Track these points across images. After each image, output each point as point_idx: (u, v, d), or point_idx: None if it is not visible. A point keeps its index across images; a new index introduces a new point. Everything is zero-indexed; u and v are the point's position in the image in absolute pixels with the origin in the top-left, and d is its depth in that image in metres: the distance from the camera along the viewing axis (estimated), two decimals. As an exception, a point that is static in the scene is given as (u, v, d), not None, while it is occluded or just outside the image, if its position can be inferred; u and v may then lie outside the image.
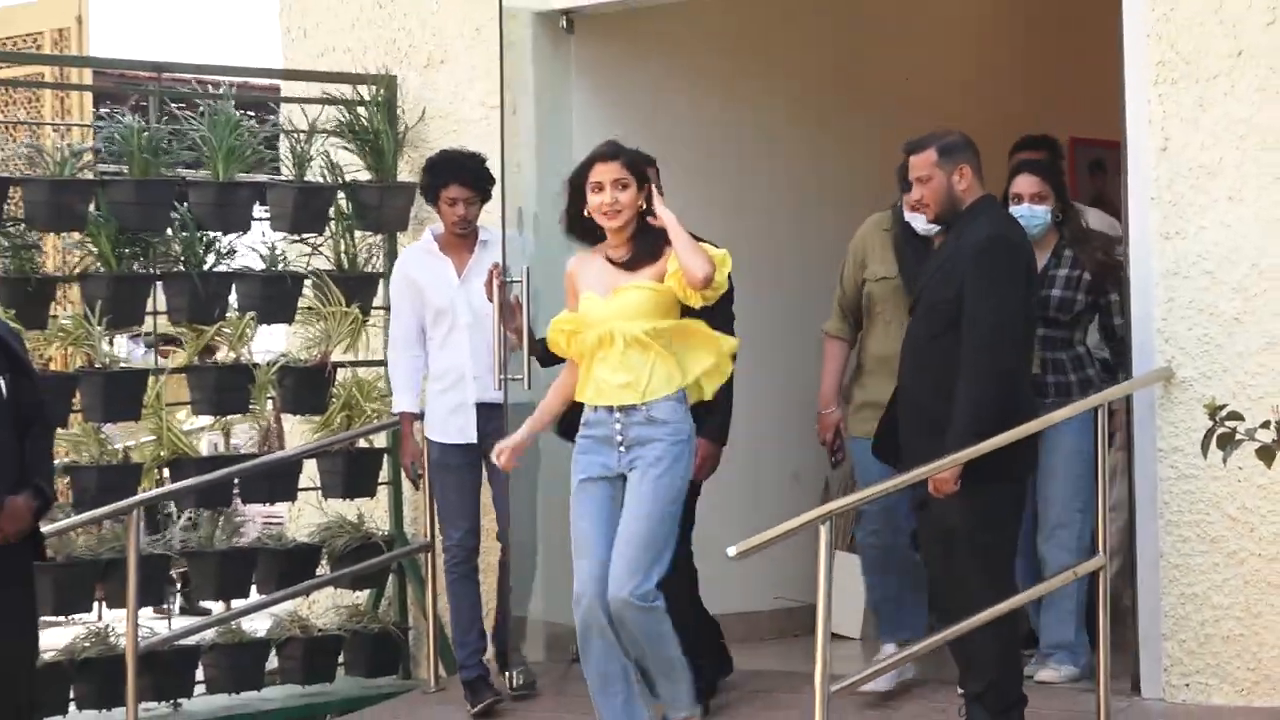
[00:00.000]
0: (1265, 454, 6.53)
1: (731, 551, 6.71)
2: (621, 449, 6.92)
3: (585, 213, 6.99)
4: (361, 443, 9.34)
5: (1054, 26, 10.74)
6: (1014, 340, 7.08)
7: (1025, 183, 8.00)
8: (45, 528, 7.22)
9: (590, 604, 6.82)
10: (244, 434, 9.67)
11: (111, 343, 8.65)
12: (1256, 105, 7.50)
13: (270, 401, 9.15)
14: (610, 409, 6.91)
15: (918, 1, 10.54)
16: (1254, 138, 7.50)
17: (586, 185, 6.93)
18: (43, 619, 7.72)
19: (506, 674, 8.61)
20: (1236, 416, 6.59)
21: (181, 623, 9.57)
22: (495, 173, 8.69)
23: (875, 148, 8.92)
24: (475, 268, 8.46)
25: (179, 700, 8.78)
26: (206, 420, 9.33)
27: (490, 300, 8.28)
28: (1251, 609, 7.48)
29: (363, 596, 9.52)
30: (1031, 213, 7.89)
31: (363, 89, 9.52)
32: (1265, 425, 6.46)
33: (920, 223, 7.62)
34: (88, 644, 8.44)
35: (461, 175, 8.52)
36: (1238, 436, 6.55)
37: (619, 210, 6.87)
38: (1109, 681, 7.36)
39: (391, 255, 9.45)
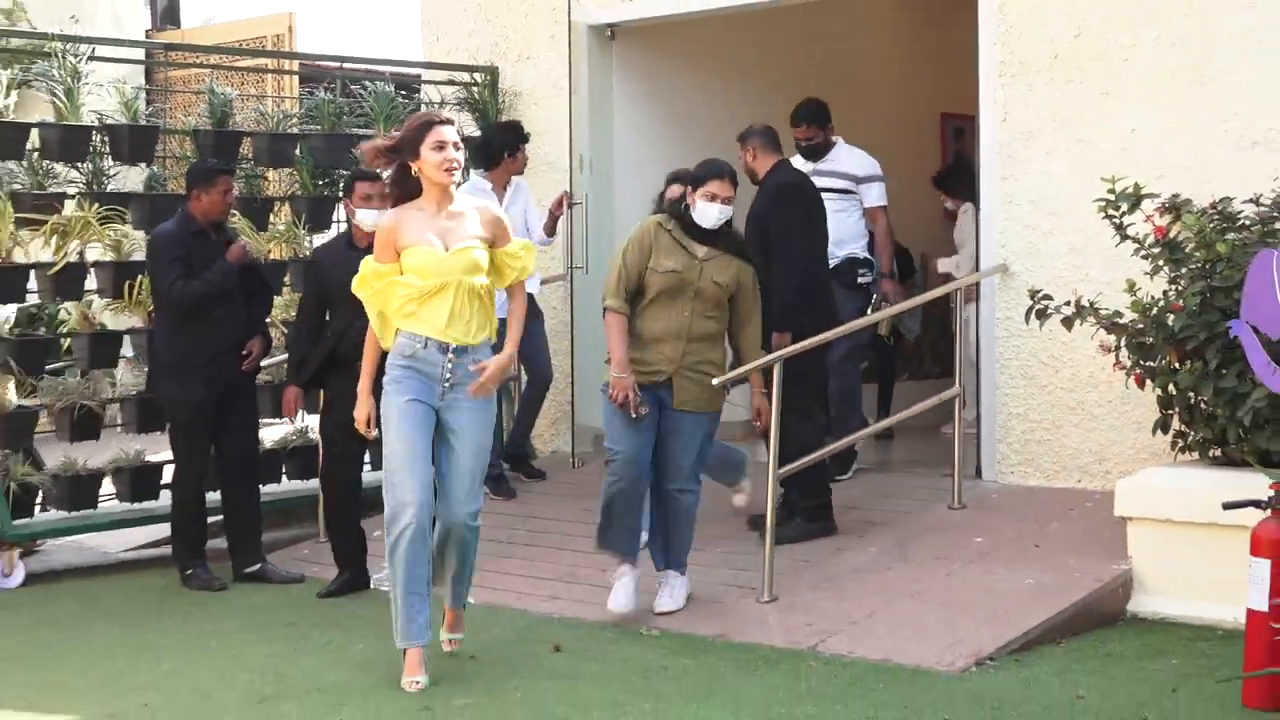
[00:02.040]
0: (1066, 322, 6.67)
1: None
2: (446, 384, 5.45)
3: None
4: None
5: (934, 36, 10.65)
6: (798, 252, 7.06)
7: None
8: (265, 362, 7.52)
9: (419, 512, 5.35)
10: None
11: (310, 240, 8.67)
12: (1065, 92, 7.49)
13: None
14: (445, 347, 5.44)
15: (859, 21, 10.41)
16: (1063, 114, 7.51)
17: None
18: (263, 420, 7.91)
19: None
20: (1048, 298, 6.74)
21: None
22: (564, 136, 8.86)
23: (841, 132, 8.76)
24: (511, 199, 8.33)
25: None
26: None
27: (557, 212, 8.53)
28: (1055, 424, 7.56)
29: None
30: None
31: (476, 75, 9.53)
32: (1066, 304, 6.64)
33: (711, 217, 6.22)
34: (294, 437, 8.51)
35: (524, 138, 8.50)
36: (1048, 311, 6.72)
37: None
38: (961, 469, 7.46)
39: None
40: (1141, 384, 6.51)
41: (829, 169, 8.13)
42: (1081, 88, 7.44)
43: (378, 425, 5.65)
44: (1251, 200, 6.38)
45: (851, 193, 8.17)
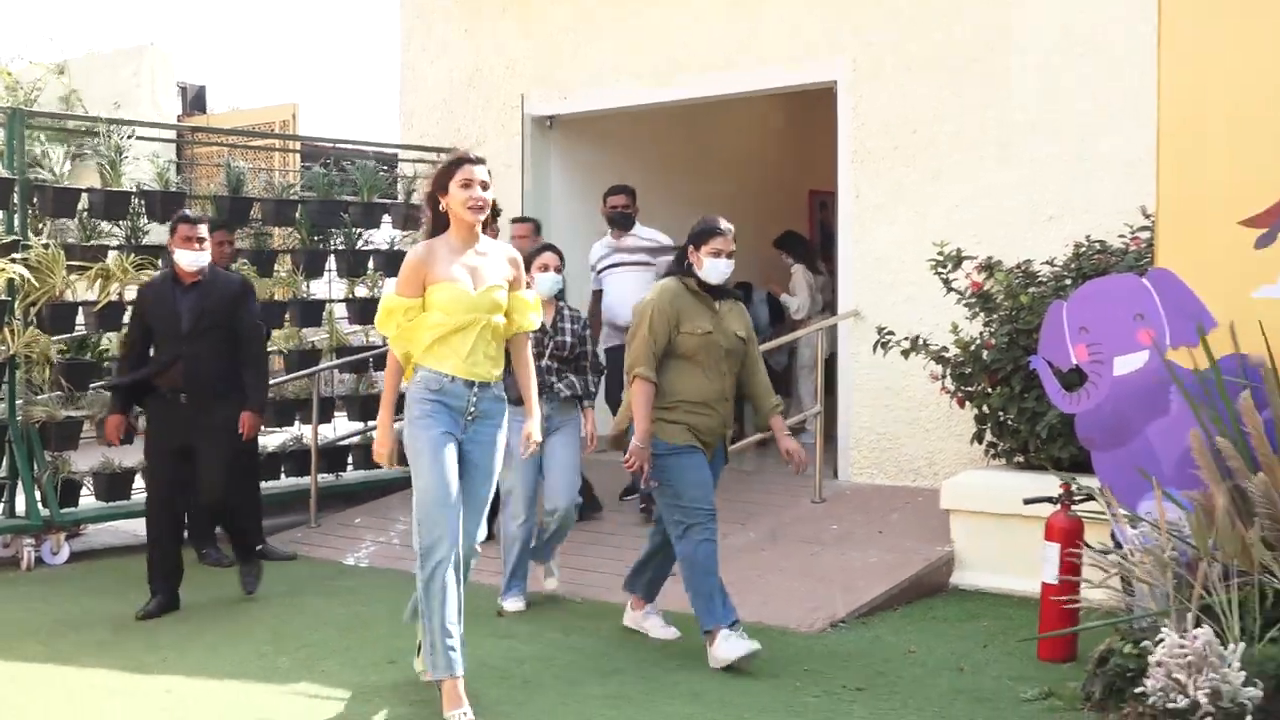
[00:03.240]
0: (904, 354, 6.66)
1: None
2: (469, 418, 4.45)
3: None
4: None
5: (804, 128, 10.69)
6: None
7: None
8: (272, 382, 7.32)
9: (454, 545, 4.34)
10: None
11: (307, 286, 8.54)
12: (904, 174, 7.52)
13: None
14: (470, 383, 4.43)
15: (745, 117, 10.39)
16: (903, 191, 7.52)
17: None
18: (266, 428, 7.75)
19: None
20: (890, 334, 6.73)
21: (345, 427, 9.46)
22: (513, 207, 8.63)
23: (726, 206, 8.71)
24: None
25: (339, 473, 8.57)
26: (359, 326, 9.23)
27: None
28: (896, 435, 7.55)
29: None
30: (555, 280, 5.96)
31: (442, 154, 9.40)
32: (905, 339, 6.64)
33: (720, 272, 5.07)
34: (292, 442, 8.36)
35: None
36: (890, 344, 6.71)
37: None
38: (822, 470, 7.42)
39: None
40: (962, 404, 6.54)
41: (633, 243, 7.65)
42: (917, 171, 7.47)
43: (400, 460, 4.57)
44: (1047, 262, 6.44)
45: (650, 264, 7.55)
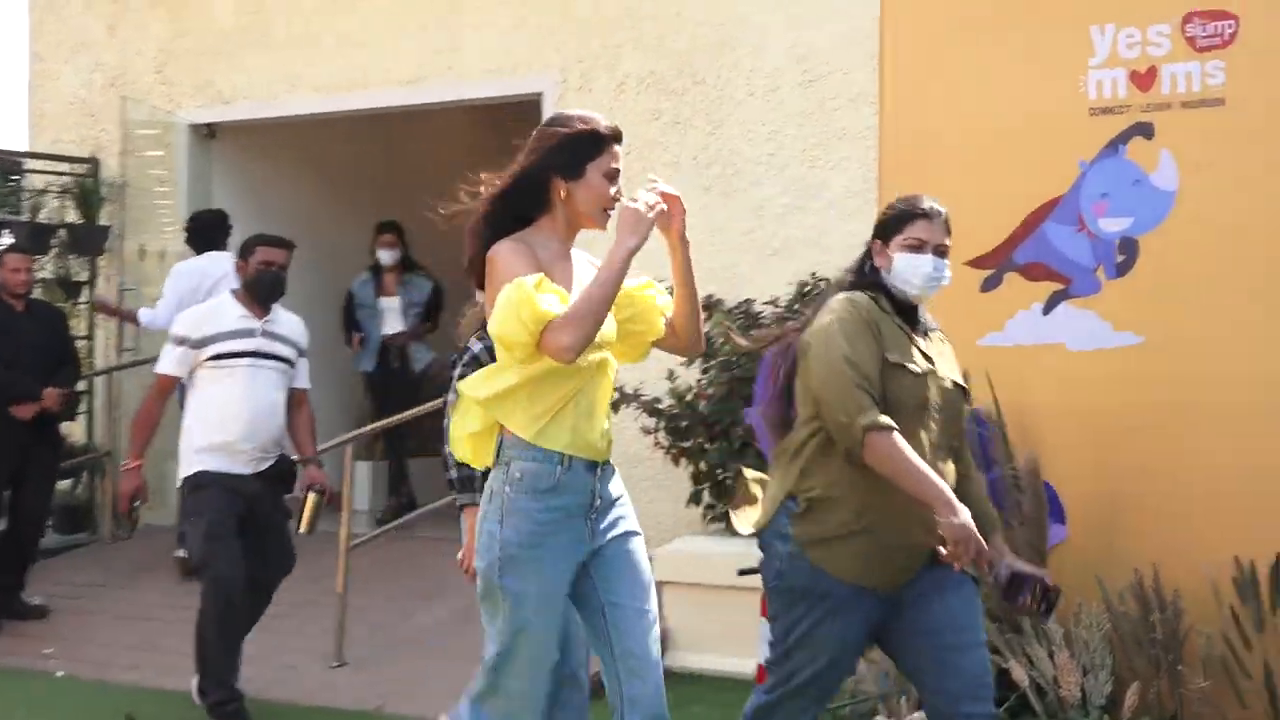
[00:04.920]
0: (613, 406, 6.54)
1: None
2: (593, 518, 3.30)
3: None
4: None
5: (513, 150, 10.62)
6: None
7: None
8: None
9: None
10: None
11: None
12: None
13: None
14: (593, 466, 3.29)
15: (439, 132, 10.21)
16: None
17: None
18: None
19: None
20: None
21: None
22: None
23: (422, 229, 8.48)
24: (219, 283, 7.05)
25: None
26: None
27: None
28: None
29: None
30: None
31: (78, 165, 8.89)
32: (615, 389, 6.55)
33: (923, 275, 3.50)
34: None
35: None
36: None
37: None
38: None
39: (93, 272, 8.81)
40: (677, 461, 6.51)
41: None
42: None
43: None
44: (770, 302, 6.50)
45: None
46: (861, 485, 3.32)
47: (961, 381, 3.54)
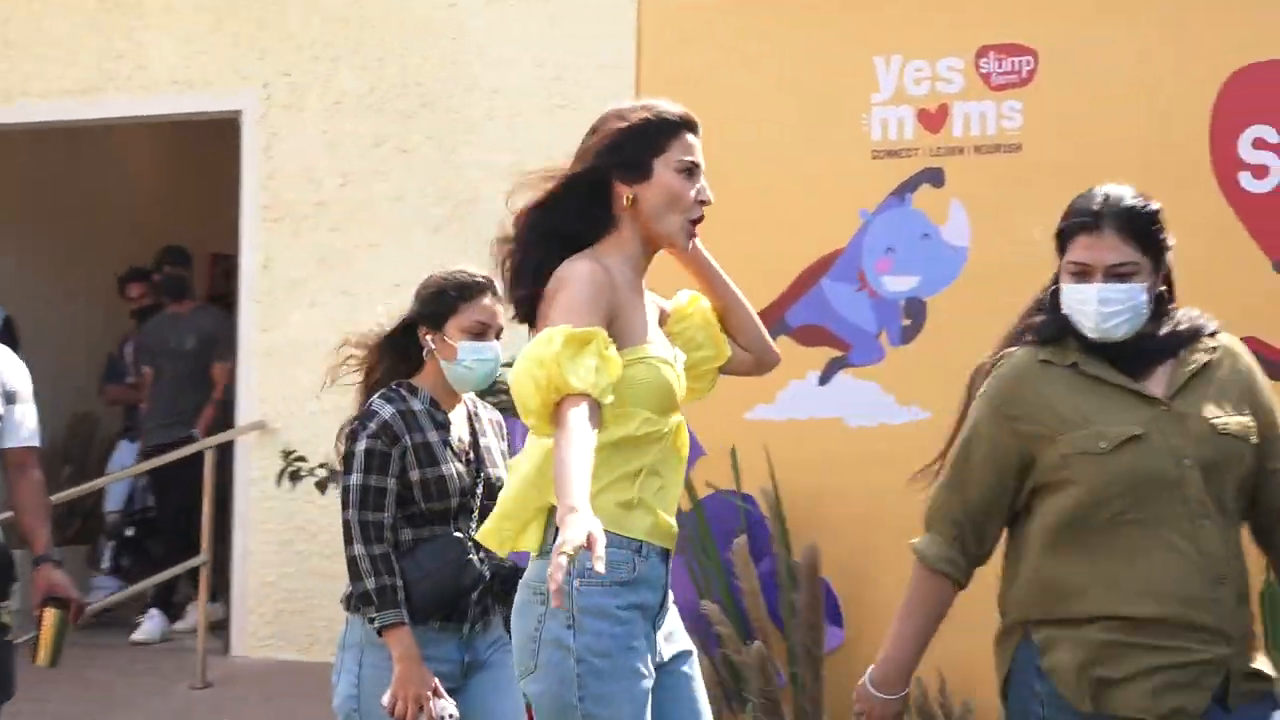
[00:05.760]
0: (320, 485, 6.27)
1: None
2: (660, 618, 2.85)
3: None
4: None
5: (199, 172, 9.92)
6: None
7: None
8: None
9: None
10: None
11: None
12: (331, 241, 7.08)
13: None
14: (666, 554, 2.85)
15: (111, 151, 9.54)
16: (329, 262, 7.10)
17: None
18: None
19: None
20: (301, 459, 6.31)
21: None
22: None
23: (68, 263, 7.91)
24: None
25: None
26: None
27: None
28: (310, 593, 7.05)
29: None
30: None
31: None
32: (321, 465, 6.19)
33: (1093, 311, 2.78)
34: None
35: None
36: (301, 473, 6.29)
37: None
38: (206, 642, 6.75)
39: None
40: None
41: None
42: (348, 236, 7.10)
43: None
44: (508, 364, 6.15)
45: None
46: None
47: (1235, 426, 2.76)
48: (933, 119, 4.95)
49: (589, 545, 2.35)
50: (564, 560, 2.33)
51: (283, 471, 6.30)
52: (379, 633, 3.50)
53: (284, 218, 7.18)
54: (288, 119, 7.17)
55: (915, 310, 4.96)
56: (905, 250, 4.94)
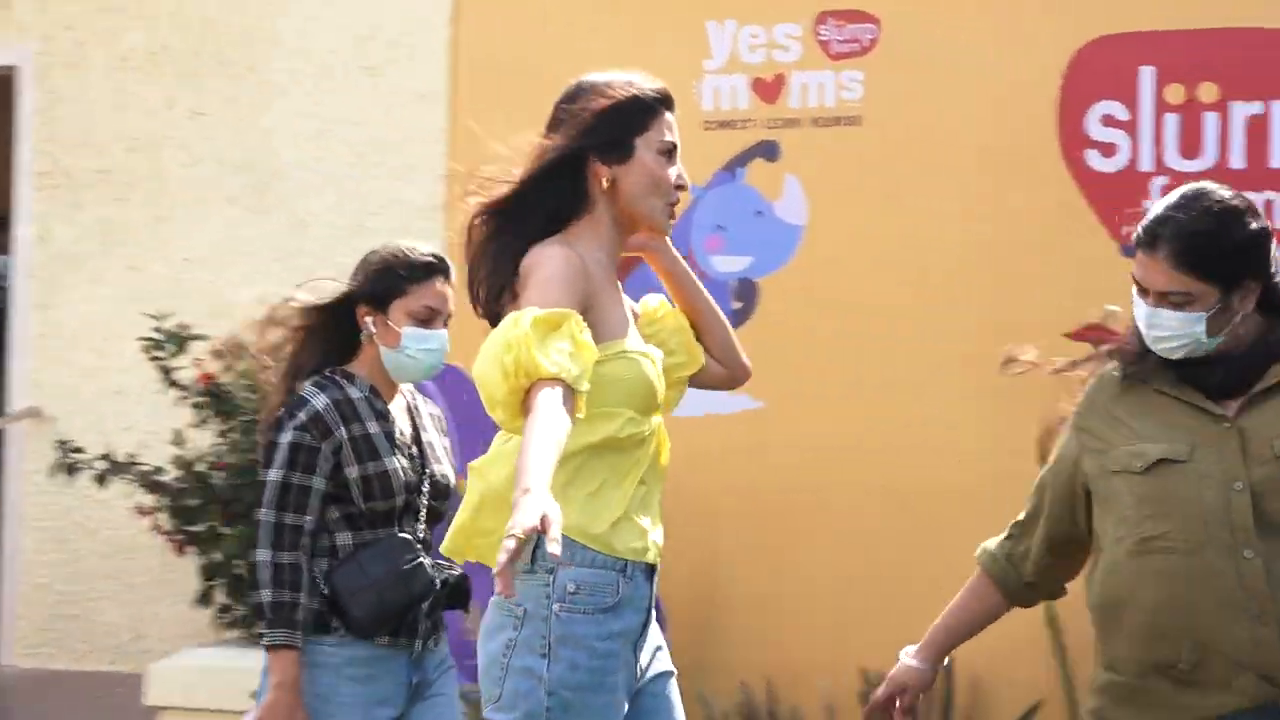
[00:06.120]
0: (99, 479, 6.09)
1: None
2: (642, 640, 2.75)
3: None
4: None
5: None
6: None
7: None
8: None
9: None
10: None
11: None
12: (116, 212, 6.91)
13: None
14: (651, 570, 2.76)
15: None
16: (115, 236, 6.94)
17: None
18: None
19: None
20: (78, 450, 6.10)
21: None
22: None
23: None
24: None
25: None
26: None
27: None
28: (88, 596, 6.91)
29: None
30: None
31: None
32: (102, 457, 6.05)
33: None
34: None
35: None
36: (79, 465, 6.08)
37: None
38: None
39: None
40: (181, 551, 6.09)
41: None
42: (136, 208, 6.91)
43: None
44: (308, 346, 6.02)
45: None
46: None
47: None
48: (768, 88, 4.94)
49: (542, 528, 2.23)
50: (512, 544, 2.20)
51: (56, 463, 6.11)
52: (266, 649, 3.34)
53: (63, 185, 6.97)
54: (69, 77, 6.98)
55: (746, 292, 4.97)
56: (736, 228, 4.96)
